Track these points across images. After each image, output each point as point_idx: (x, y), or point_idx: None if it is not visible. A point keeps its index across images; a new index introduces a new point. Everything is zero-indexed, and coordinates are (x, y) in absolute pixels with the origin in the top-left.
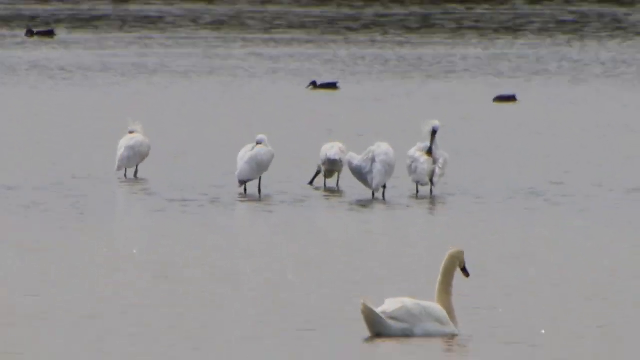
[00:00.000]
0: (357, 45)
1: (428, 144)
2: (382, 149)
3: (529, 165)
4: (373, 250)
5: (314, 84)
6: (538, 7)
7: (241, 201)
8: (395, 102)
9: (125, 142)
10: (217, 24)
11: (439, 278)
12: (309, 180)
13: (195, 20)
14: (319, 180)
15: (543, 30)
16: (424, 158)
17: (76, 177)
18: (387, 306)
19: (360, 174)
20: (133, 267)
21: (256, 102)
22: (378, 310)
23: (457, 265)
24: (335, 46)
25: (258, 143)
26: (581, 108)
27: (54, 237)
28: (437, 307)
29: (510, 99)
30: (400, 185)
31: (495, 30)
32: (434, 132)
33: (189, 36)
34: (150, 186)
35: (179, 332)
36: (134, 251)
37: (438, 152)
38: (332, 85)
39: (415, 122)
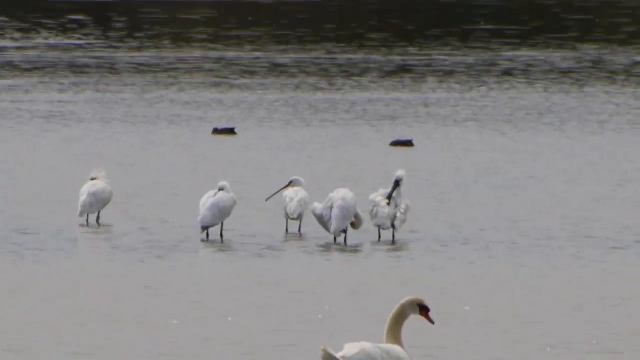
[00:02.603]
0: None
1: (389, 190)
2: (339, 194)
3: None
4: (333, 296)
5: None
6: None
7: (203, 247)
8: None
9: (87, 188)
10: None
11: (388, 324)
12: (269, 196)
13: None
14: (282, 220)
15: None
16: (385, 203)
17: (38, 221)
18: (347, 351)
19: (322, 222)
20: (91, 312)
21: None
22: (338, 355)
23: (409, 315)
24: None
25: (220, 189)
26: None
27: (13, 280)
28: (398, 349)
29: (407, 143)
30: (363, 231)
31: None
32: (397, 182)
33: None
34: (112, 232)
35: None
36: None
37: (399, 199)
38: (230, 131)
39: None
